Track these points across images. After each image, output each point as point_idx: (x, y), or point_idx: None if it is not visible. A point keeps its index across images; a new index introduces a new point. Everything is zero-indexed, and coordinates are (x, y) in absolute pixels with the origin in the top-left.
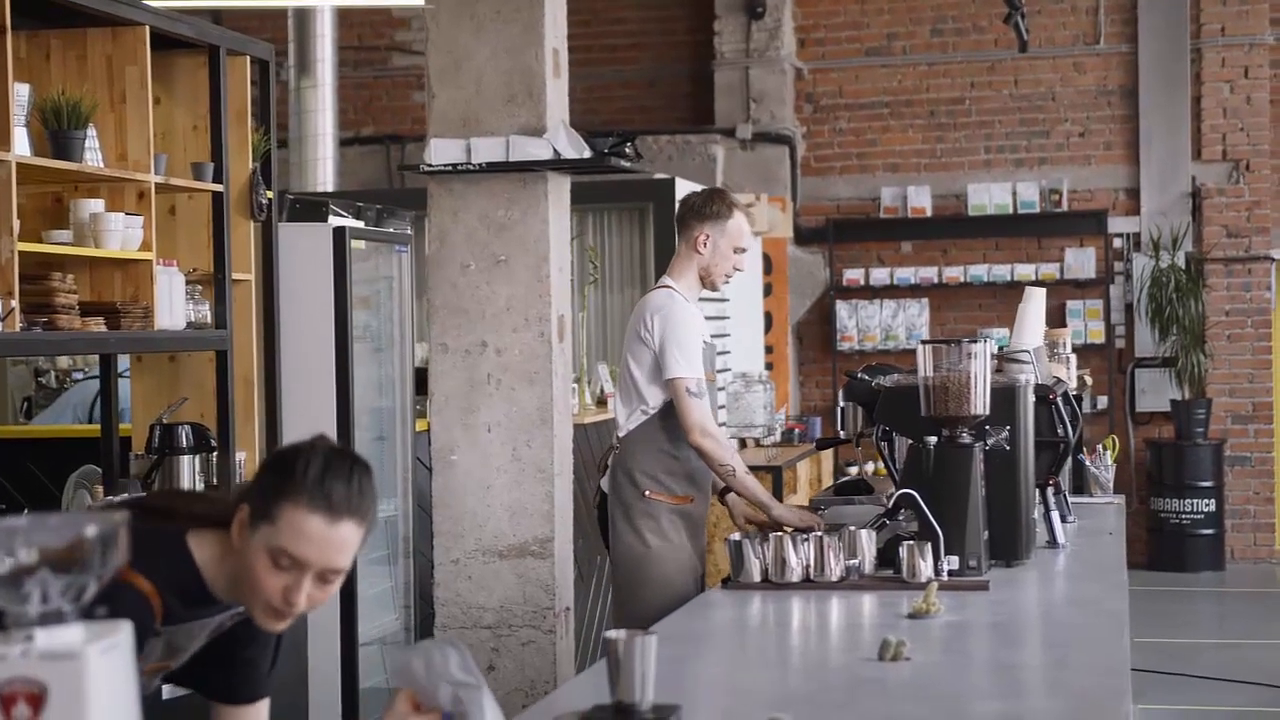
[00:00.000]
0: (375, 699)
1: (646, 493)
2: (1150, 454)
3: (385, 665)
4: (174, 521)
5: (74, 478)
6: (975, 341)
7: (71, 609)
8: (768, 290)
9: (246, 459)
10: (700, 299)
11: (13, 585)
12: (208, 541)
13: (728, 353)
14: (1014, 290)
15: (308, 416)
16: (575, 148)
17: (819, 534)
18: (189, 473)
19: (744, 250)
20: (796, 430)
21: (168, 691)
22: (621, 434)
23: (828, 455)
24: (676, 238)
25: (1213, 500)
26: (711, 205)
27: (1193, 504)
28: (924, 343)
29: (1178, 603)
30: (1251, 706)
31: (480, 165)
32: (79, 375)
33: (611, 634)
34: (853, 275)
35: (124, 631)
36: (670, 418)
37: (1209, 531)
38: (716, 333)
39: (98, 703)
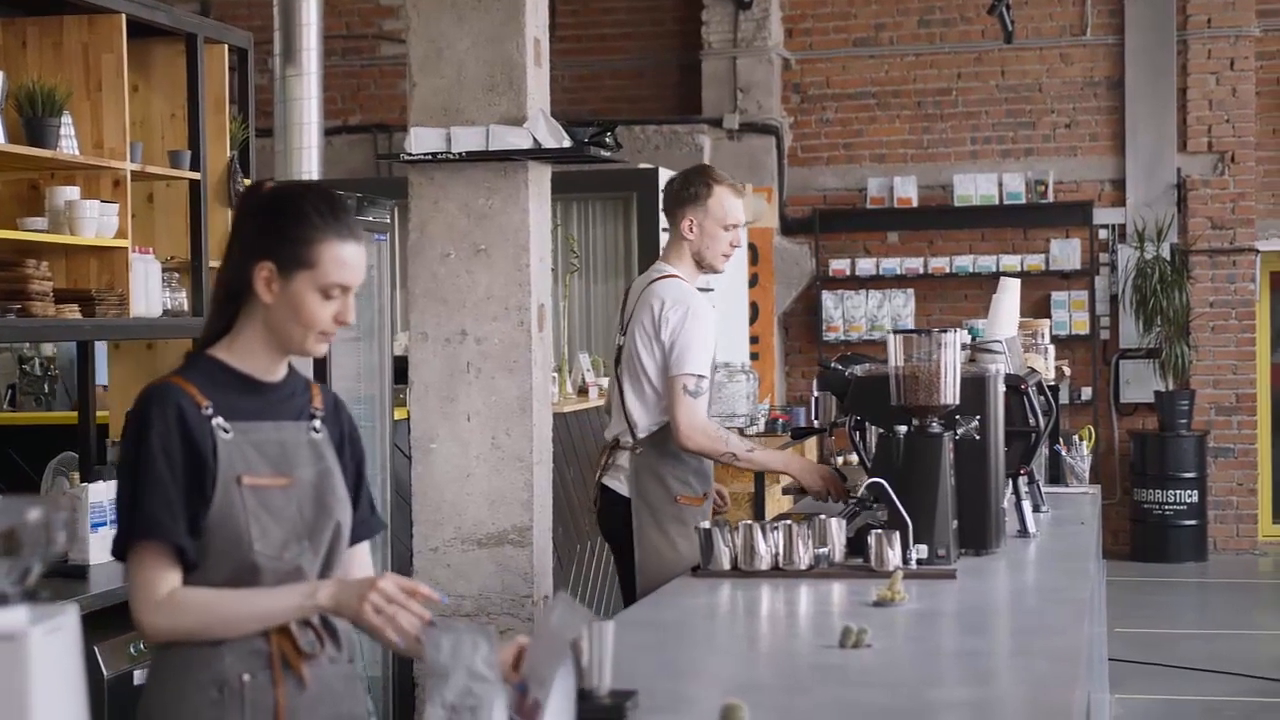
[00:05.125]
0: None
1: (678, 498)
2: (1134, 445)
3: (362, 653)
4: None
5: (53, 464)
6: (946, 331)
7: (15, 591)
8: (754, 280)
9: None
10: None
11: None
12: (224, 341)
13: None
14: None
15: None
16: (555, 137)
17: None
18: None
19: (735, 226)
20: (781, 420)
21: (139, 677)
22: (641, 434)
23: (813, 445)
24: (668, 224)
25: (1196, 491)
26: (689, 188)
27: (1176, 495)
28: (895, 332)
29: (1160, 593)
30: (1232, 696)
31: (460, 154)
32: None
33: None
34: (839, 266)
35: (69, 614)
36: None
37: (1192, 522)
38: None
39: (41, 684)
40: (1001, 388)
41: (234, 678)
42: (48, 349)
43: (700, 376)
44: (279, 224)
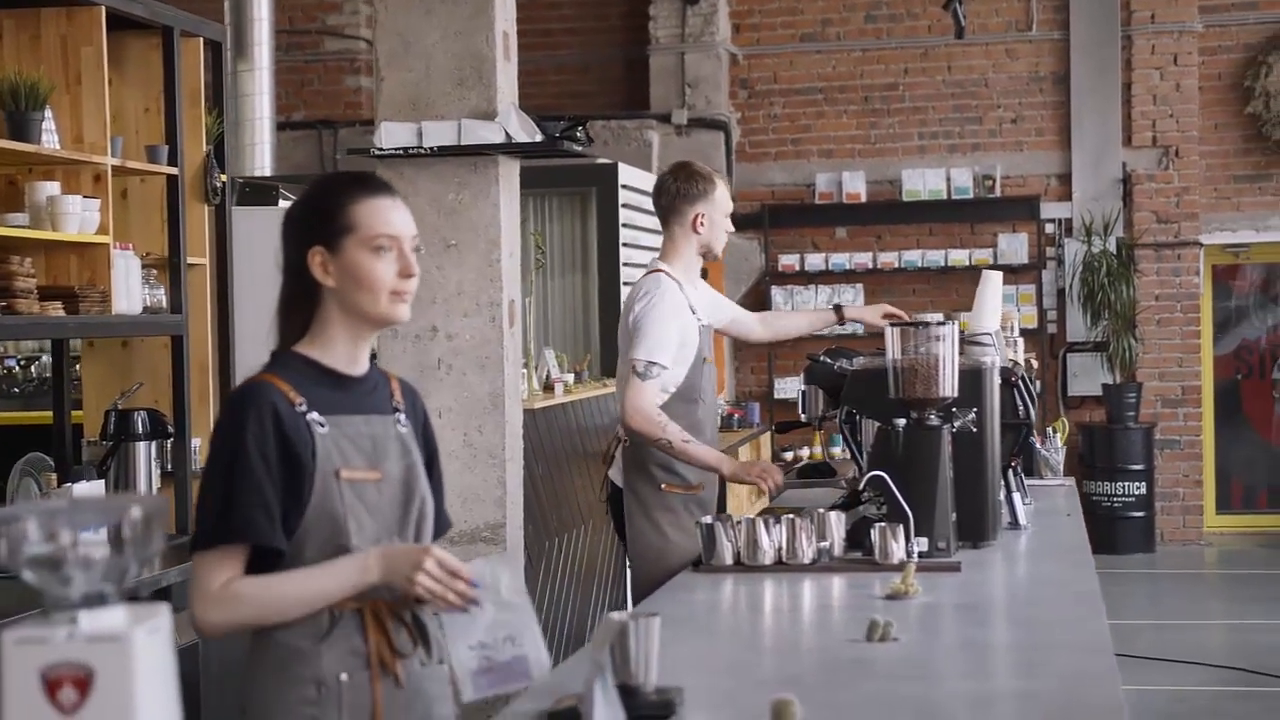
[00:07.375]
0: None
1: (663, 486)
2: (1082, 437)
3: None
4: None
5: (19, 465)
6: (944, 323)
7: (114, 591)
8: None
9: (202, 445)
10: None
11: (55, 568)
12: (304, 340)
13: None
14: (947, 275)
15: None
16: (527, 131)
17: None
18: (145, 459)
19: (729, 213)
20: (735, 416)
21: None
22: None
23: (766, 441)
24: (664, 223)
25: (1143, 483)
26: (696, 184)
27: (1124, 487)
28: (893, 325)
29: (1110, 584)
30: (1197, 686)
31: (431, 149)
32: (11, 362)
33: (615, 615)
34: (788, 261)
35: (164, 613)
36: (676, 407)
37: (1140, 514)
38: None
39: (144, 684)
40: (997, 380)
41: (331, 677)
42: None
43: (651, 362)
44: (312, 211)
